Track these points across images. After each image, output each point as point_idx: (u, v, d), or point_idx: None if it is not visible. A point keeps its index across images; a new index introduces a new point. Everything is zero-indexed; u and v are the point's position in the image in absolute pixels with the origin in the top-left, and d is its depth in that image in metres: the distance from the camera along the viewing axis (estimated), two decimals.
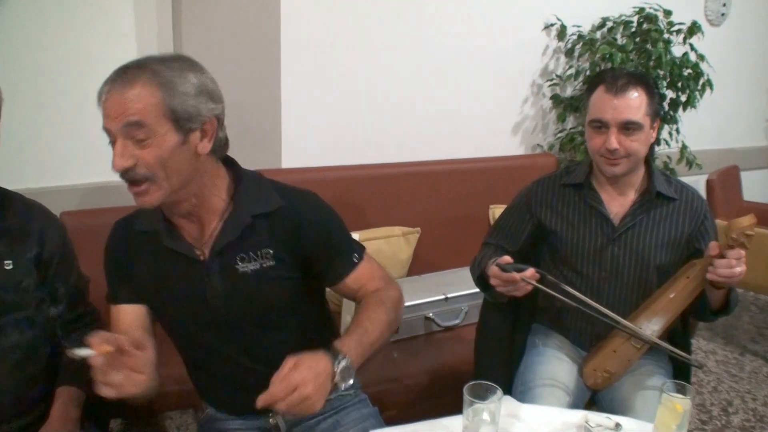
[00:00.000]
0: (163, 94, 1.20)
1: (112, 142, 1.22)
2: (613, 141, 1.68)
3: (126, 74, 1.20)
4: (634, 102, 1.67)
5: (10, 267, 1.39)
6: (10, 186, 1.48)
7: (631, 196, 1.81)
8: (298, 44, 2.70)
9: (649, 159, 1.82)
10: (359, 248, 1.51)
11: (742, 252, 1.52)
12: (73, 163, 2.49)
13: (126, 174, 1.22)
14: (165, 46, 2.52)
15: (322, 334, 1.53)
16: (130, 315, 1.43)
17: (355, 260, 1.48)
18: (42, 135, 2.40)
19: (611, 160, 1.72)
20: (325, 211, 1.47)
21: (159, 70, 1.21)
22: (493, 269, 1.60)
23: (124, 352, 1.08)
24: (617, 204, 1.81)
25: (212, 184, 1.34)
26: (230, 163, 1.41)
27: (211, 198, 1.35)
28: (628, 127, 1.68)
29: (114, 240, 1.45)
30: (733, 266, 1.52)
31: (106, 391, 1.08)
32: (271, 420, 1.49)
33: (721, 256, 1.54)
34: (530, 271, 1.55)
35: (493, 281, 1.62)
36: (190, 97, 1.22)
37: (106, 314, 1.48)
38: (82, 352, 1.05)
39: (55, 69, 2.36)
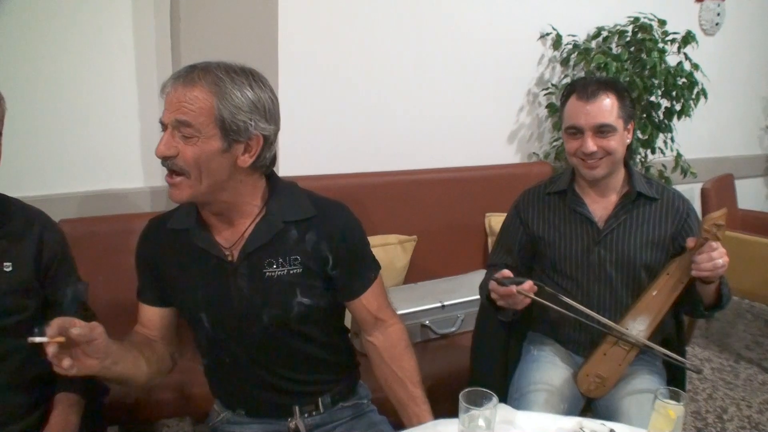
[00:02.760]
0: (217, 103, 1.25)
1: (164, 132, 1.30)
2: (590, 144, 1.73)
3: (191, 75, 1.27)
4: (606, 106, 1.73)
5: (10, 269, 1.40)
6: (10, 193, 1.49)
7: (613, 198, 1.85)
8: (294, 53, 2.72)
9: (628, 161, 1.86)
10: (376, 267, 1.55)
11: (714, 244, 1.57)
12: (72, 171, 2.49)
13: (165, 162, 1.28)
14: (163, 57, 2.53)
15: (339, 347, 1.58)
16: (155, 317, 1.49)
17: (372, 278, 1.52)
18: (41, 143, 2.41)
19: (589, 163, 1.76)
20: (354, 224, 1.50)
21: (220, 79, 1.26)
22: (491, 284, 1.62)
23: (73, 340, 1.13)
24: (600, 207, 1.85)
25: (248, 192, 1.38)
26: (269, 174, 1.45)
27: (243, 204, 1.38)
28: (602, 130, 1.73)
29: (145, 239, 1.49)
30: (714, 259, 1.56)
31: (58, 370, 1.14)
32: (291, 424, 1.50)
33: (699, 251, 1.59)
34: (528, 284, 1.56)
35: (493, 296, 1.64)
36: (241, 111, 1.27)
37: (106, 318, 1.49)
38: (37, 339, 1.11)
39: (56, 78, 2.37)
